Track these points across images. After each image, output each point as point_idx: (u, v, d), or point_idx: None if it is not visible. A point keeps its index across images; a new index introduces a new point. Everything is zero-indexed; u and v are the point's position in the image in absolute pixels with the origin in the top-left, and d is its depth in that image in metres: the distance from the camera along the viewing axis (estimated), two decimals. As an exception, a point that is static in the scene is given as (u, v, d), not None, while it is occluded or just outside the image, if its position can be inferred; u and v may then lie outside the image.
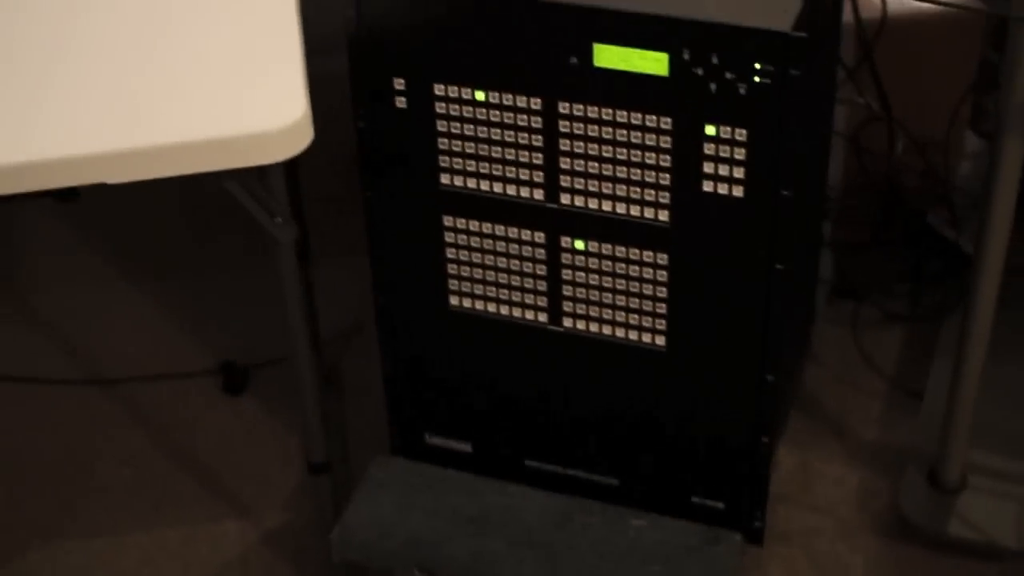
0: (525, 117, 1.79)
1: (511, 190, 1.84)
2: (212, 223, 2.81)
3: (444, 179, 1.86)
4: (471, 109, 1.80)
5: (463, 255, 1.92)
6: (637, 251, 1.82)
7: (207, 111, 1.66)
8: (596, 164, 1.78)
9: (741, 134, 1.70)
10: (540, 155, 1.80)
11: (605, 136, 1.76)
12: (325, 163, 2.10)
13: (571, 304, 1.90)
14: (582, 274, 1.87)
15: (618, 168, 1.77)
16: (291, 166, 1.78)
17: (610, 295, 1.87)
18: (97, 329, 2.69)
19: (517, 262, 1.89)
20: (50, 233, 2.91)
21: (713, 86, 1.68)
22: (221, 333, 2.63)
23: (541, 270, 1.89)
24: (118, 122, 1.64)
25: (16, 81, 1.71)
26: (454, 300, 1.96)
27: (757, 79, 1.66)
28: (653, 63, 1.70)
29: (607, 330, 1.90)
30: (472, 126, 1.81)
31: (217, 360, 2.58)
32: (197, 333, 2.64)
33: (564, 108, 1.76)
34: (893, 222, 2.67)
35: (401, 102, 1.83)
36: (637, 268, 1.83)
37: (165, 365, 2.59)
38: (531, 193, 1.83)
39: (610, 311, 1.88)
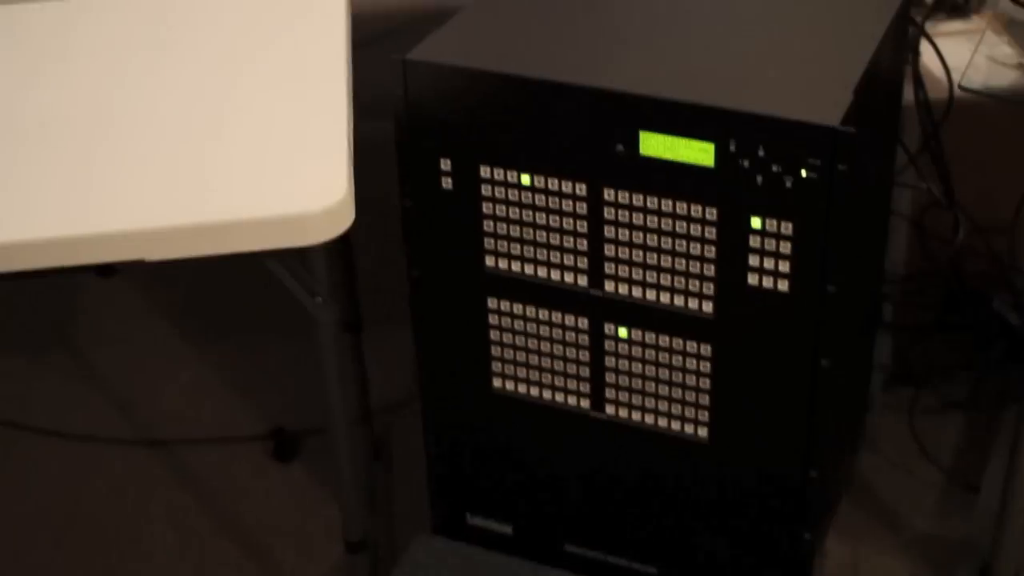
0: (570, 202, 1.77)
1: (555, 275, 1.82)
2: (268, 286, 2.80)
3: (489, 261, 1.85)
4: (516, 192, 1.79)
5: (507, 338, 1.90)
6: (680, 341, 1.80)
7: (247, 191, 1.65)
8: (640, 252, 1.76)
9: (787, 228, 1.67)
10: (584, 241, 1.78)
11: (650, 225, 1.74)
12: (384, 226, 2.09)
13: (613, 391, 1.87)
14: (625, 362, 1.85)
15: (662, 257, 1.75)
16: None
17: (653, 384, 1.84)
18: (152, 388, 2.70)
19: (560, 347, 1.87)
20: (111, 291, 2.92)
21: (759, 178, 1.66)
22: (274, 398, 2.63)
23: (584, 356, 1.86)
24: (156, 199, 1.64)
25: (57, 155, 1.72)
26: (497, 382, 1.94)
27: (804, 173, 1.63)
28: (699, 153, 1.67)
29: (649, 419, 1.87)
30: (517, 209, 1.80)
31: (268, 425, 2.57)
32: (250, 397, 2.64)
33: (609, 195, 1.74)
34: (957, 306, 2.62)
35: (447, 183, 1.82)
36: (680, 358, 1.81)
37: (216, 428, 2.59)
38: (575, 279, 1.81)
39: (653, 400, 1.85)
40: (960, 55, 2.60)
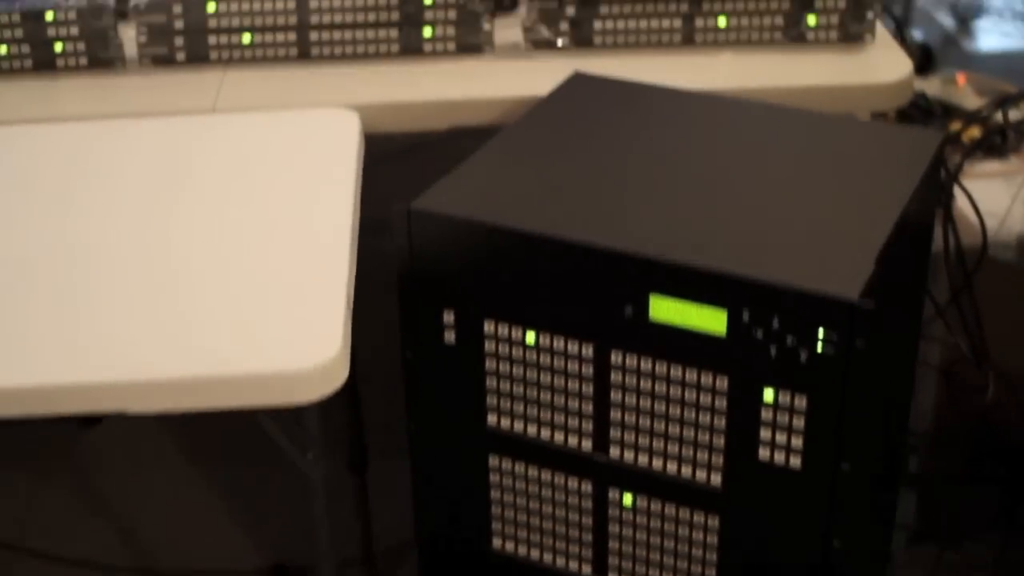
0: (576, 363, 1.70)
1: (559, 437, 1.75)
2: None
3: (491, 419, 1.78)
4: (521, 350, 1.72)
5: (508, 497, 1.82)
6: (687, 511, 1.72)
7: (235, 343, 1.60)
8: (648, 419, 1.69)
9: (800, 402, 1.59)
10: (590, 404, 1.71)
11: (658, 391, 1.67)
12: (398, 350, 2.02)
13: (617, 559, 1.79)
14: (629, 529, 1.77)
15: (670, 425, 1.68)
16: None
17: (657, 554, 1.76)
18: (154, 516, 2.63)
19: (563, 510, 1.80)
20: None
21: (773, 350, 1.58)
22: (276, 531, 2.55)
23: (587, 521, 1.79)
24: (141, 350, 1.58)
25: (39, 298, 1.66)
26: (496, 542, 1.86)
27: (820, 347, 1.55)
28: (711, 320, 1.60)
29: (653, 589, 1.78)
30: (521, 367, 1.73)
31: (269, 560, 2.50)
32: (252, 529, 2.57)
33: (616, 358, 1.67)
34: (986, 459, 2.54)
35: (450, 337, 1.75)
36: (687, 529, 1.73)
37: (216, 560, 2.52)
38: (579, 442, 1.74)
39: (657, 570, 1.77)
40: (996, 198, 2.53)
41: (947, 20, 4.18)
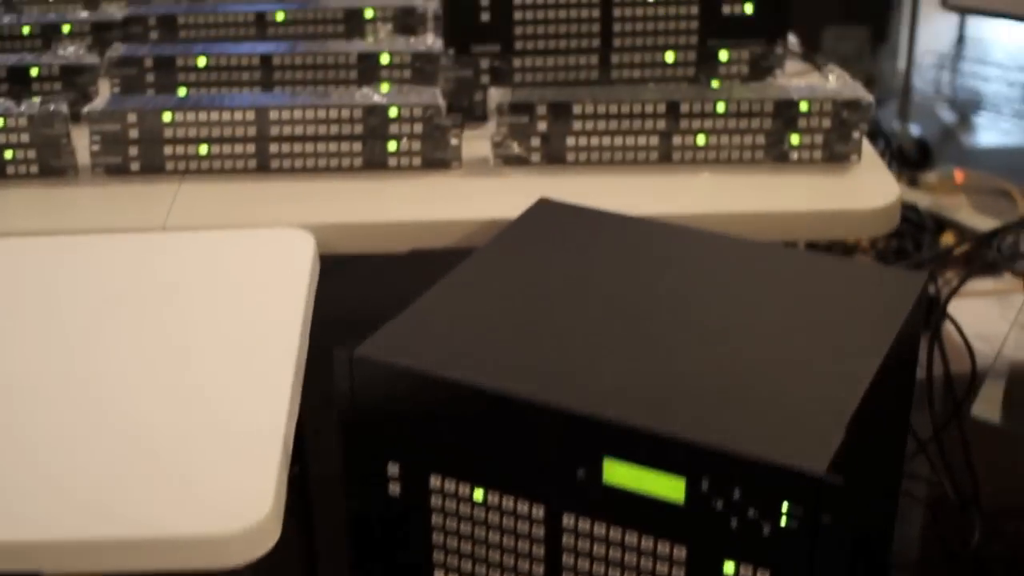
0: (526, 524, 1.59)
1: (508, 598, 1.64)
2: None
3: (438, 575, 1.67)
4: (468, 507, 1.61)
5: (455, 658, 1.71)
6: None
7: (156, 504, 1.49)
8: (601, 585, 1.58)
9: (763, 577, 1.49)
10: (541, 566, 1.61)
11: (612, 557, 1.57)
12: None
13: None
14: None
15: (626, 593, 1.57)
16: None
17: None
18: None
19: (512, 674, 1.68)
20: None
21: (734, 521, 1.48)
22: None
23: None
24: (55, 508, 1.47)
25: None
26: None
27: (783, 521, 1.45)
28: (668, 488, 1.50)
29: None
30: (469, 525, 1.63)
31: None
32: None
33: (569, 521, 1.57)
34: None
35: (395, 489, 1.65)
36: None
37: None
38: (529, 605, 1.63)
39: None
40: (989, 319, 2.45)
41: (946, 115, 4.10)
